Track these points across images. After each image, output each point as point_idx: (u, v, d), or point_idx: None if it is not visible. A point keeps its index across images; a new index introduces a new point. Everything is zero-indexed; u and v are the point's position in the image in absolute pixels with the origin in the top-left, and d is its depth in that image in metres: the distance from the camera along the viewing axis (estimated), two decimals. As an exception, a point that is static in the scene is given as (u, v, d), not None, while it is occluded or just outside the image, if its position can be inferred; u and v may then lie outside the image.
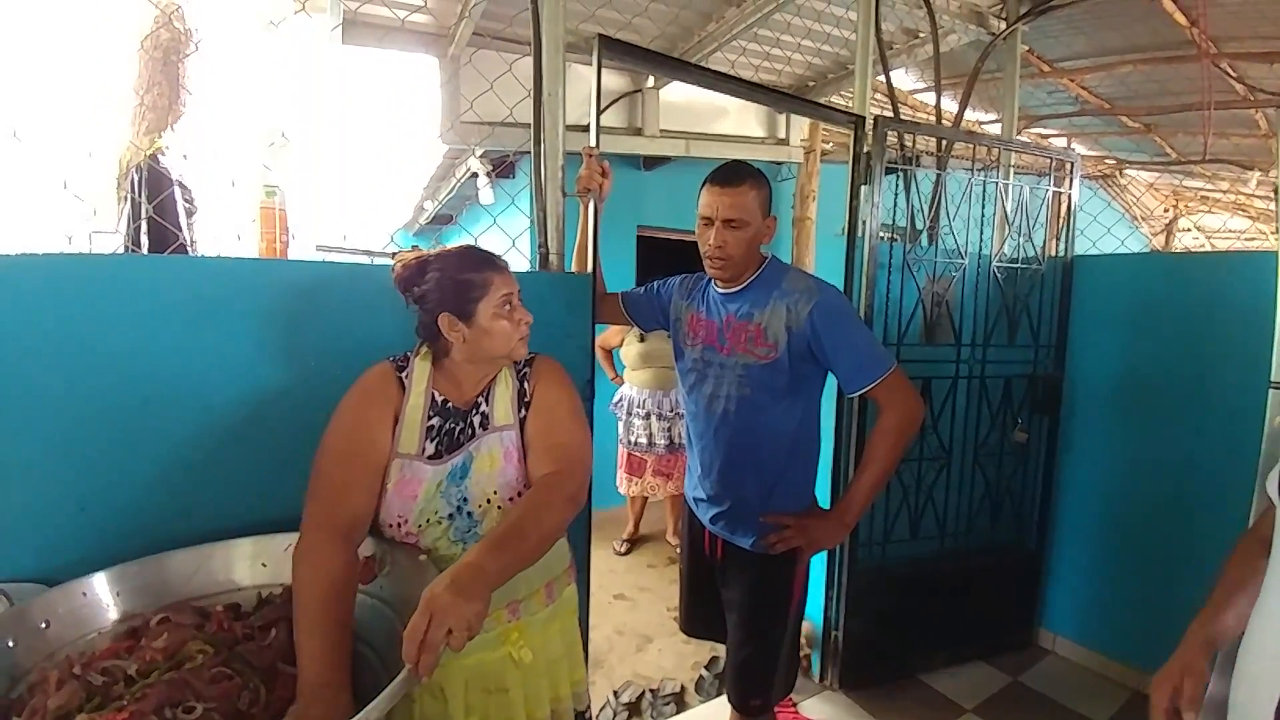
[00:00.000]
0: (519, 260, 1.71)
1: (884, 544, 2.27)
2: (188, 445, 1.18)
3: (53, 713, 0.75)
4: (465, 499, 1.06)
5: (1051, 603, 2.60)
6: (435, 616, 0.74)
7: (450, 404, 1.12)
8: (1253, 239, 6.65)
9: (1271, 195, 4.38)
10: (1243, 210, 6.01)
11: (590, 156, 1.54)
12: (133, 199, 1.92)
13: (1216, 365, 2.14)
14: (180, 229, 1.85)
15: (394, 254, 1.52)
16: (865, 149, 2.05)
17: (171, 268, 1.21)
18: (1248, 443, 2.02)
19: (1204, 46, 2.75)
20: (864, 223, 2.08)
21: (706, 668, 2.42)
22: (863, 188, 2.06)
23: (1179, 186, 6.11)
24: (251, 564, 1.08)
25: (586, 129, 1.63)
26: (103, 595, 0.97)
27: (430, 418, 1.10)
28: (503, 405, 1.13)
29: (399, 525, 1.06)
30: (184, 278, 1.18)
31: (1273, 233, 6.16)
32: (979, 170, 2.28)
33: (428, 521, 1.06)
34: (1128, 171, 5.73)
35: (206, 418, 1.19)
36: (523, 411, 1.13)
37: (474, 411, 1.12)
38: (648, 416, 3.22)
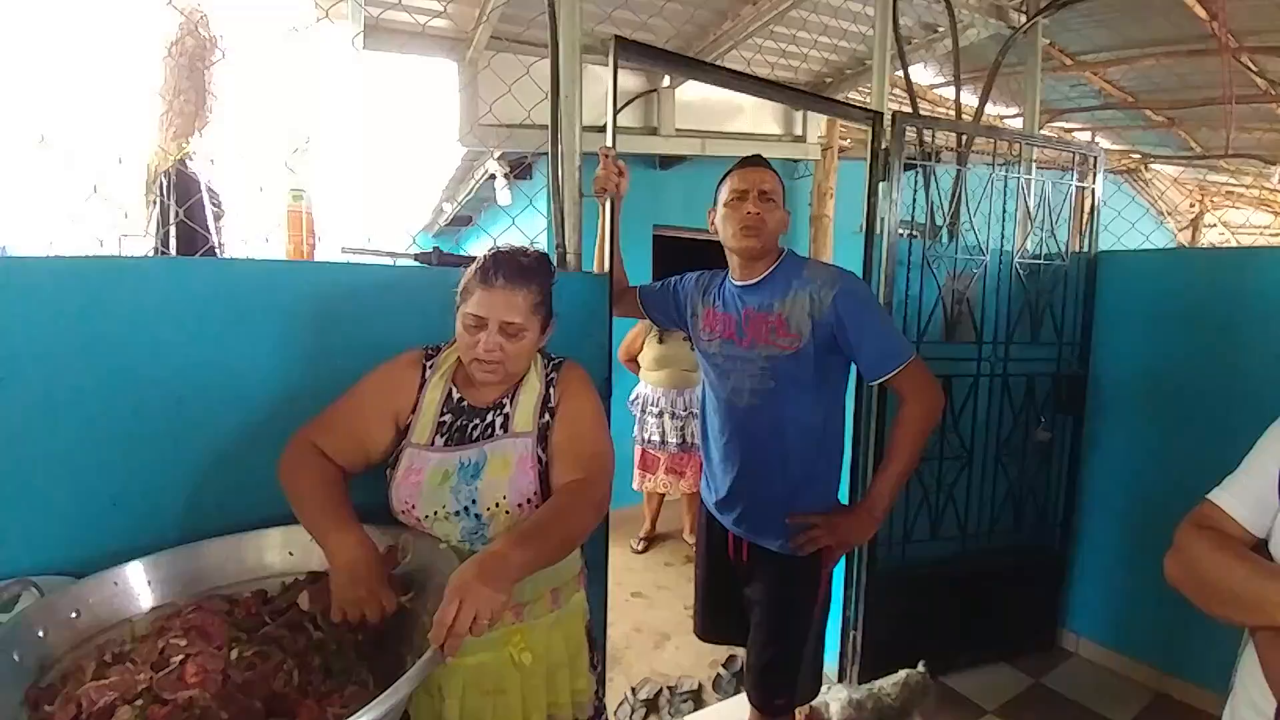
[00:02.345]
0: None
1: (904, 543, 2.26)
2: (219, 442, 1.21)
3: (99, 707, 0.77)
4: (474, 500, 1.07)
5: (1075, 604, 2.57)
6: (465, 602, 0.77)
7: (466, 402, 1.14)
8: (1277, 234, 6.50)
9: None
10: (1266, 205, 5.88)
11: (607, 157, 1.55)
12: (161, 203, 1.97)
13: (1244, 363, 2.10)
14: (209, 232, 1.90)
15: (416, 255, 1.55)
16: (884, 145, 2.04)
17: (202, 269, 1.25)
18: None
19: (1224, 41, 2.70)
20: (882, 219, 2.07)
21: (724, 666, 2.42)
22: (881, 184, 2.05)
23: (1204, 181, 5.99)
24: (280, 553, 1.10)
25: (603, 129, 1.64)
26: (134, 585, 0.99)
27: (443, 413, 1.13)
28: (525, 410, 1.13)
29: (409, 511, 1.08)
30: (215, 279, 1.21)
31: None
32: (1000, 165, 2.25)
33: (435, 514, 1.07)
34: (1152, 166, 5.62)
35: (237, 415, 1.22)
36: (545, 418, 1.13)
37: (496, 411, 1.13)
38: (661, 415, 3.24)
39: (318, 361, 1.28)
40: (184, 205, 1.74)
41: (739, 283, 1.51)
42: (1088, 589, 2.53)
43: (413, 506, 1.07)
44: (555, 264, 1.65)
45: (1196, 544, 0.95)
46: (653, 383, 3.25)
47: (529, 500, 1.08)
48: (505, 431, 1.11)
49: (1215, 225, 6.80)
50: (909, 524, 2.26)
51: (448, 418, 1.13)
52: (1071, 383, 2.45)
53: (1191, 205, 6.41)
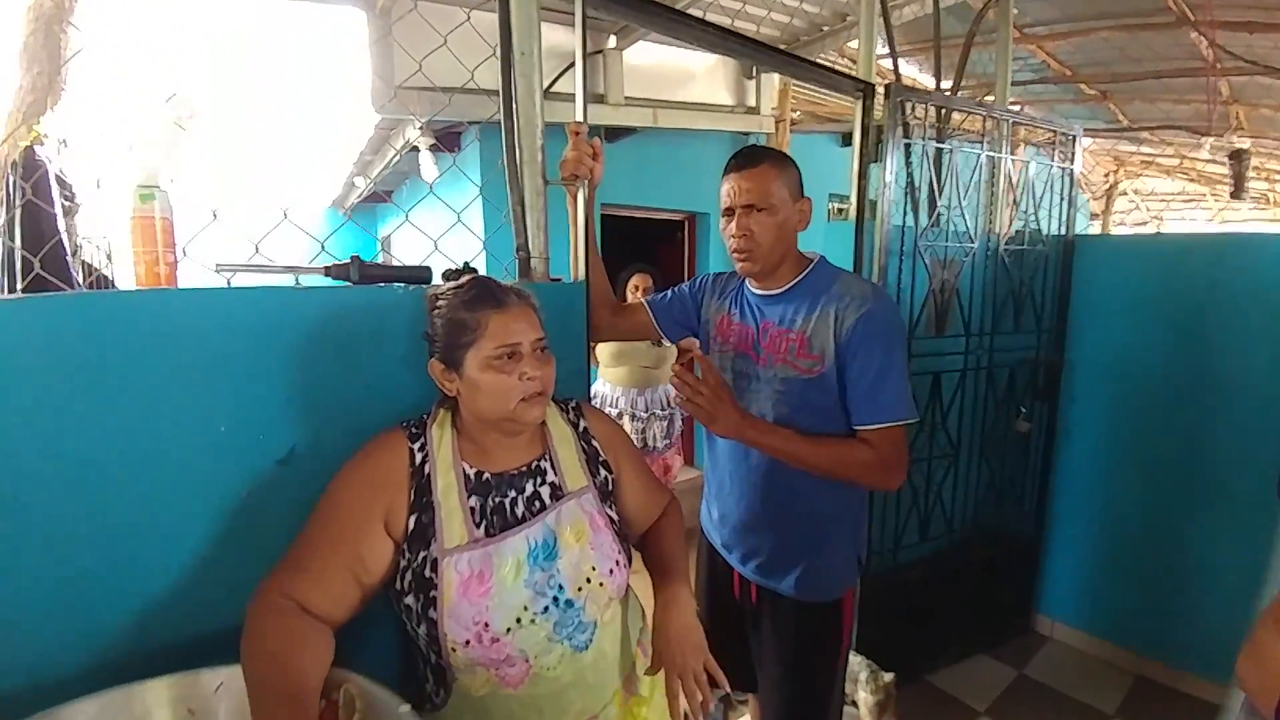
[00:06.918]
0: (490, 266, 1.41)
1: (895, 550, 2.14)
2: (67, 549, 0.85)
3: None
4: (561, 586, 0.89)
5: (1049, 588, 2.56)
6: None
7: (487, 475, 0.92)
8: (1190, 200, 6.88)
9: (1221, 160, 4.42)
10: (1183, 173, 6.15)
11: (577, 135, 1.26)
12: (9, 198, 1.52)
13: (1215, 348, 2.09)
14: (57, 231, 1.48)
15: (327, 268, 1.19)
16: (874, 120, 1.83)
17: (36, 311, 0.85)
18: (1245, 427, 2.02)
19: (1184, 14, 2.67)
20: (872, 203, 1.87)
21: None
22: (873, 165, 1.84)
23: (1116, 151, 6.18)
24: (173, 711, 0.79)
25: (556, 97, 1.32)
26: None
27: (469, 498, 0.89)
28: (572, 469, 0.98)
29: (480, 635, 0.83)
30: (48, 326, 0.83)
31: (1212, 194, 6.38)
32: (989, 145, 2.09)
33: (519, 621, 0.85)
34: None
35: (92, 511, 0.85)
36: (602, 473, 1.01)
37: (534, 479, 0.94)
38: (620, 416, 2.97)
39: (191, 431, 0.90)
40: (25, 200, 1.32)
41: (759, 291, 1.28)
42: (1062, 573, 2.52)
43: (485, 626, 0.83)
44: (518, 272, 1.35)
45: None
46: (611, 380, 2.98)
47: (618, 563, 0.94)
48: (559, 498, 0.95)
49: (1126, 194, 7.12)
50: (899, 530, 2.14)
51: (475, 501, 0.89)
52: (1048, 369, 2.39)
53: (1106, 176, 6.66)
